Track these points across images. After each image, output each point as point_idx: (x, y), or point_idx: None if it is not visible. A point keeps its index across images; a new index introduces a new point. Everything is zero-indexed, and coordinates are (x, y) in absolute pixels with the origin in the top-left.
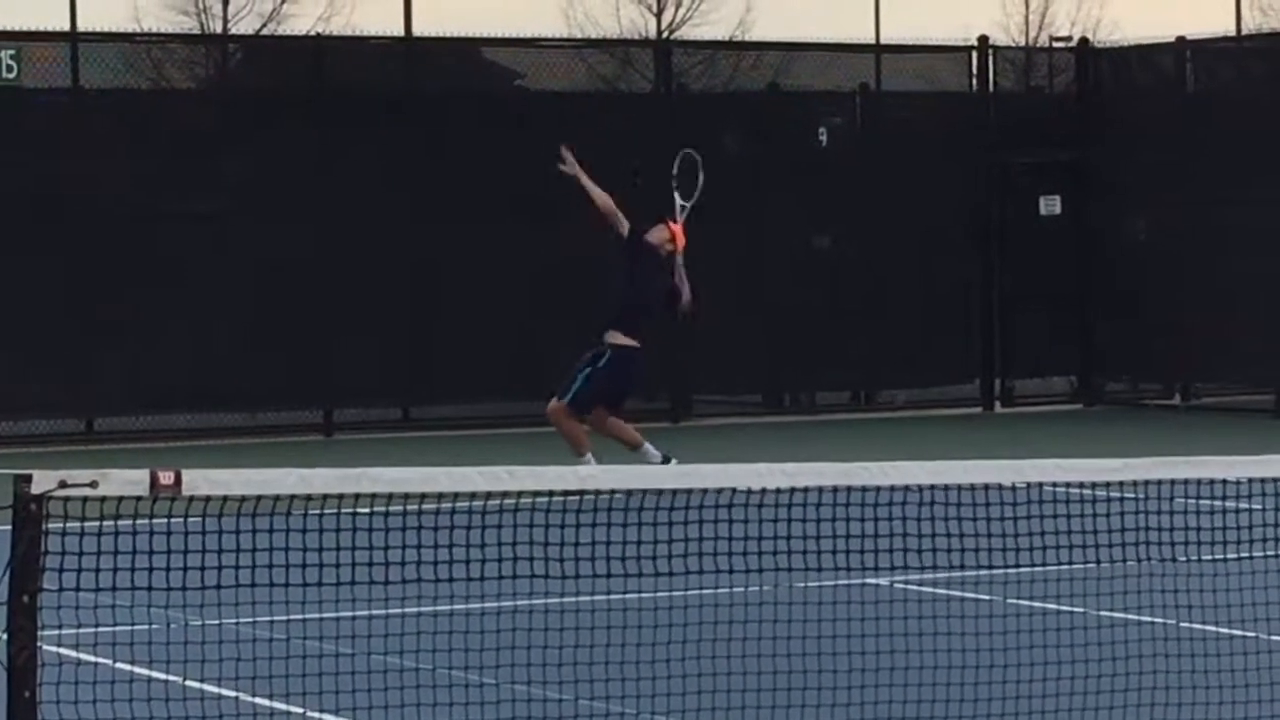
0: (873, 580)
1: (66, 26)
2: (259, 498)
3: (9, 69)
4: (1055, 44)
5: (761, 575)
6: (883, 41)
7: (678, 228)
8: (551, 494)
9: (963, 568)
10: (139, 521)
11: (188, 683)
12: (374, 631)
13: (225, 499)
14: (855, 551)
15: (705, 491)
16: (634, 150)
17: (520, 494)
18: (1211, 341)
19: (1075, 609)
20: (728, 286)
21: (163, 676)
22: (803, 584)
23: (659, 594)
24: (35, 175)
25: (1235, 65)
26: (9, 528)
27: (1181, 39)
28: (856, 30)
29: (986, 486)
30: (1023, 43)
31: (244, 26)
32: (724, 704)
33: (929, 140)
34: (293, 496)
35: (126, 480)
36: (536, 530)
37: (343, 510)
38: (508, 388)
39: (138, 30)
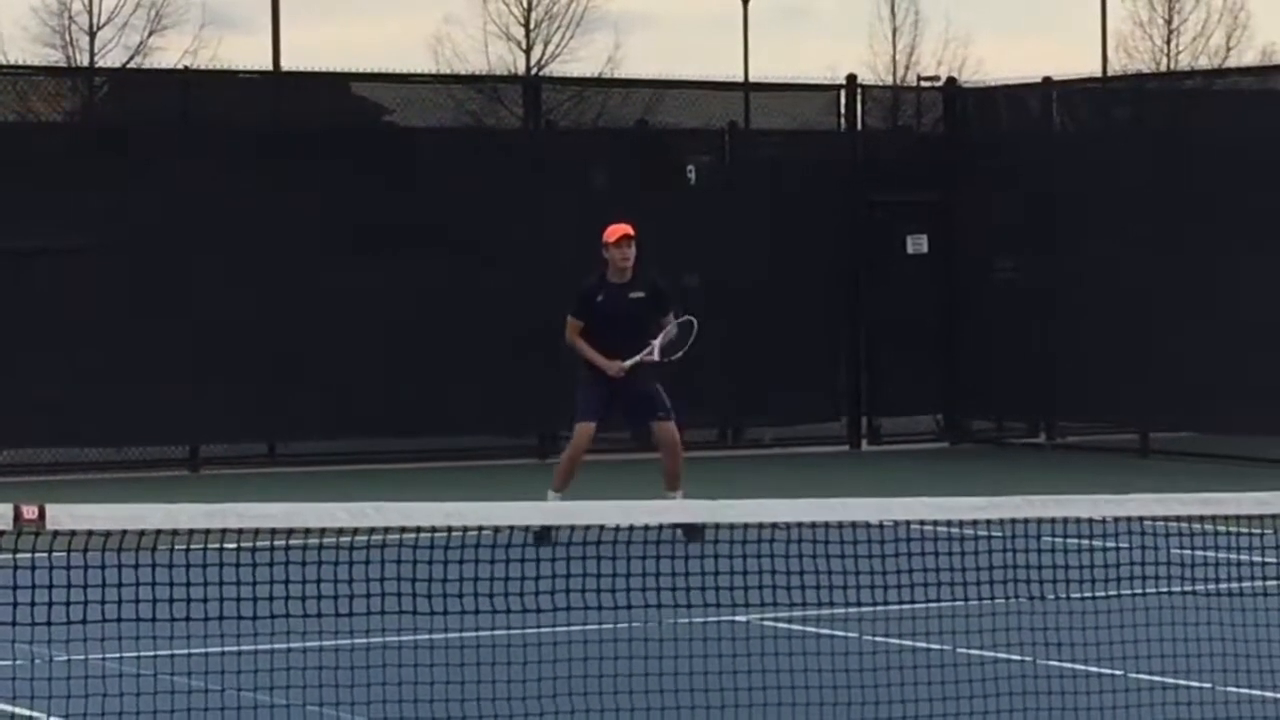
0: (738, 617)
1: None
2: (124, 533)
3: None
4: (923, 83)
5: (631, 612)
6: (751, 79)
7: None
8: (419, 530)
9: (828, 605)
10: (1, 556)
11: (51, 719)
12: (242, 667)
13: (90, 534)
14: (723, 588)
15: (573, 528)
16: (500, 188)
17: (387, 530)
18: (1076, 380)
19: (940, 646)
20: None
21: (26, 712)
22: (671, 620)
23: (527, 630)
24: None
25: (1100, 106)
26: None
27: (1048, 79)
28: (725, 68)
29: (854, 524)
30: (890, 82)
31: (111, 59)
32: None
33: (797, 178)
34: (158, 531)
35: None
36: (404, 566)
37: (209, 545)
38: (375, 423)
39: (3, 62)
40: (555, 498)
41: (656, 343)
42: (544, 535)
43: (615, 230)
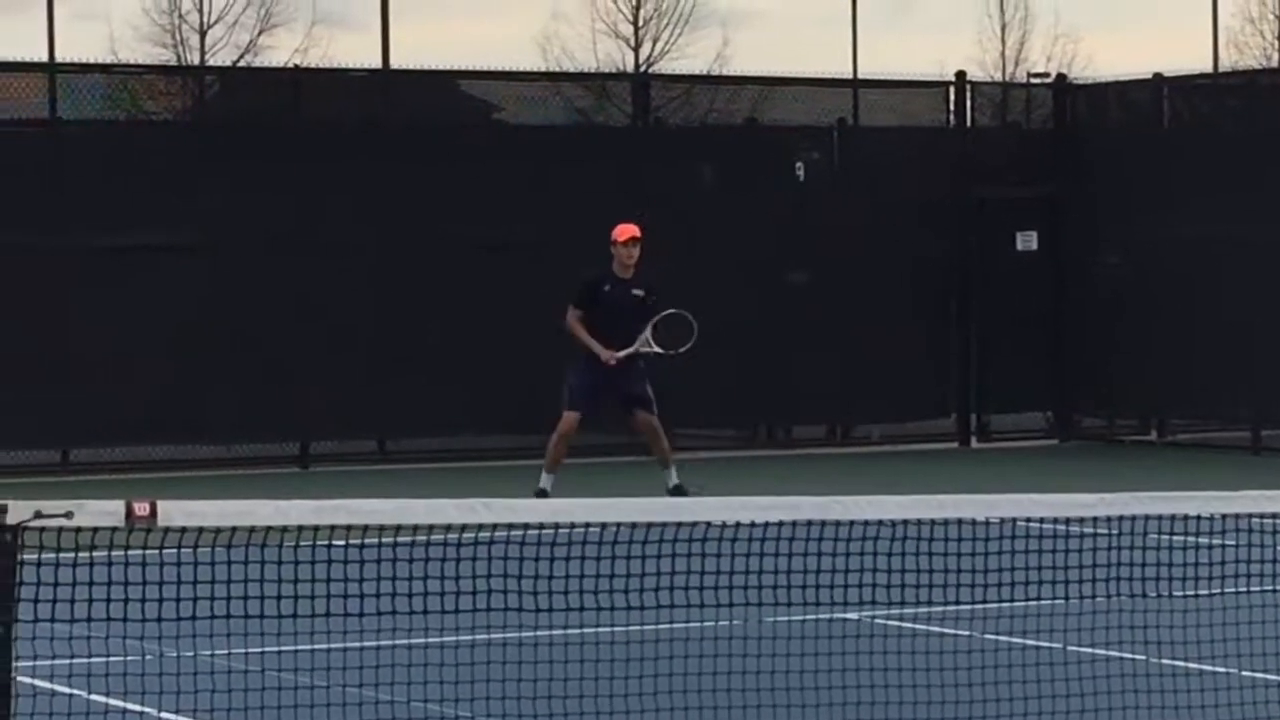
0: (848, 615)
1: (45, 57)
2: (234, 529)
3: None
4: (1032, 80)
5: (732, 610)
6: (860, 77)
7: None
8: (526, 527)
9: (938, 603)
10: (114, 552)
11: (162, 714)
12: (348, 664)
13: (200, 530)
14: (827, 586)
15: (679, 525)
16: (610, 184)
17: (495, 526)
18: (1187, 377)
19: (1047, 644)
20: (704, 320)
21: (137, 708)
22: (773, 618)
23: (631, 627)
24: (11, 206)
25: (1211, 102)
26: None
27: (1158, 75)
28: (834, 65)
29: (960, 521)
30: (999, 78)
31: (221, 58)
32: None
33: (906, 175)
34: (268, 528)
35: (102, 511)
36: (510, 563)
37: (318, 542)
38: (485, 420)
39: (115, 62)
40: (548, 479)
41: (647, 334)
42: (543, 493)
43: (625, 230)
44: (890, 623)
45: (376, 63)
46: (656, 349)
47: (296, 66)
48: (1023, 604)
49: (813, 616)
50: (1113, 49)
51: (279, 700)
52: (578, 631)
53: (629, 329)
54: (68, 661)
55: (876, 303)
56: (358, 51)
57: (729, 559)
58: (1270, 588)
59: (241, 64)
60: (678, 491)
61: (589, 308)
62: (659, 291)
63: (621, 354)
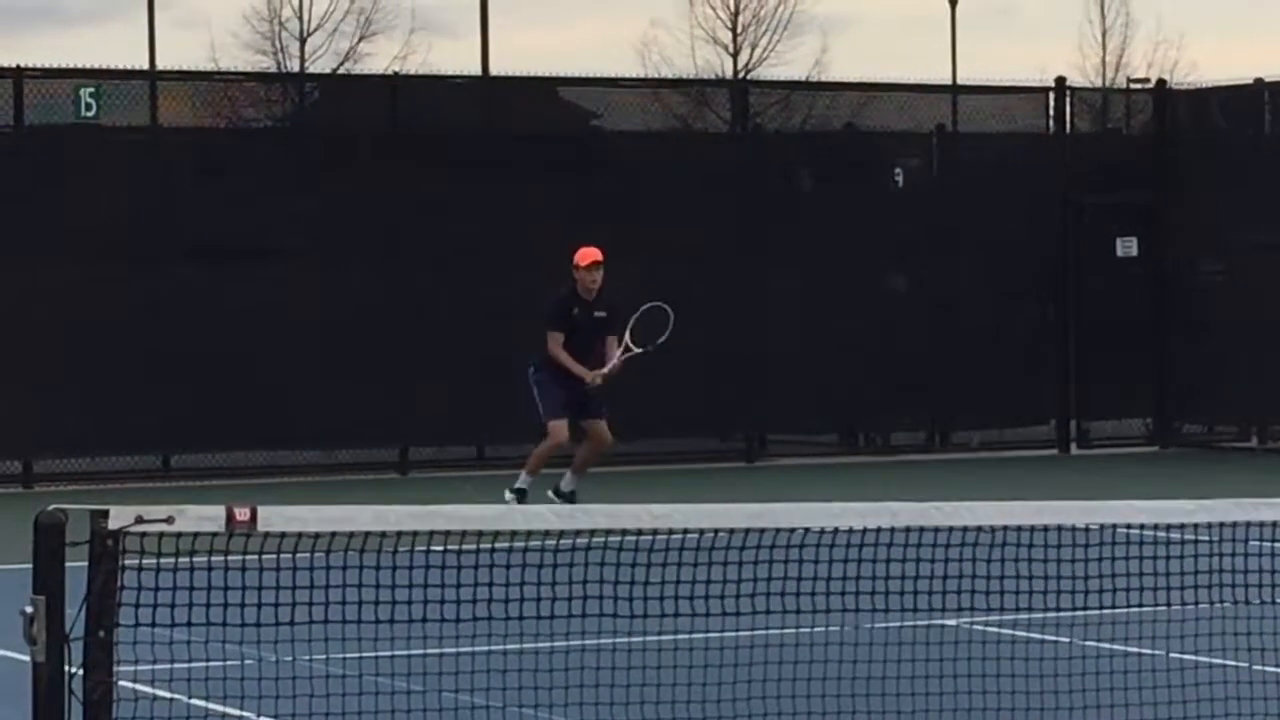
0: (947, 621)
1: (146, 65)
2: (333, 535)
3: (88, 107)
4: (1133, 85)
5: (831, 615)
6: (959, 82)
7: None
8: (625, 533)
9: (1034, 610)
10: (214, 558)
11: (261, 718)
12: (445, 669)
13: (300, 535)
14: (926, 592)
15: (778, 531)
16: (709, 190)
17: (593, 532)
18: None
19: (1148, 651)
20: (803, 326)
21: (237, 712)
22: (872, 625)
23: (727, 634)
24: (113, 212)
25: None
26: (86, 563)
27: (1259, 80)
28: (933, 71)
29: (1059, 528)
30: (1099, 84)
31: (321, 65)
32: None
33: (1005, 181)
34: (367, 534)
35: (202, 516)
36: (609, 569)
37: (417, 548)
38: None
39: (215, 69)
40: (527, 480)
41: (628, 339)
42: (522, 496)
43: (587, 255)
44: (989, 629)
45: (476, 69)
46: (636, 350)
47: (396, 74)
48: (1123, 610)
49: (911, 623)
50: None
51: (376, 705)
52: (672, 638)
53: (592, 350)
54: (168, 666)
55: (975, 309)
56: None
57: (827, 565)
58: None
59: (341, 71)
60: (569, 498)
61: (564, 329)
62: (620, 311)
63: (602, 372)
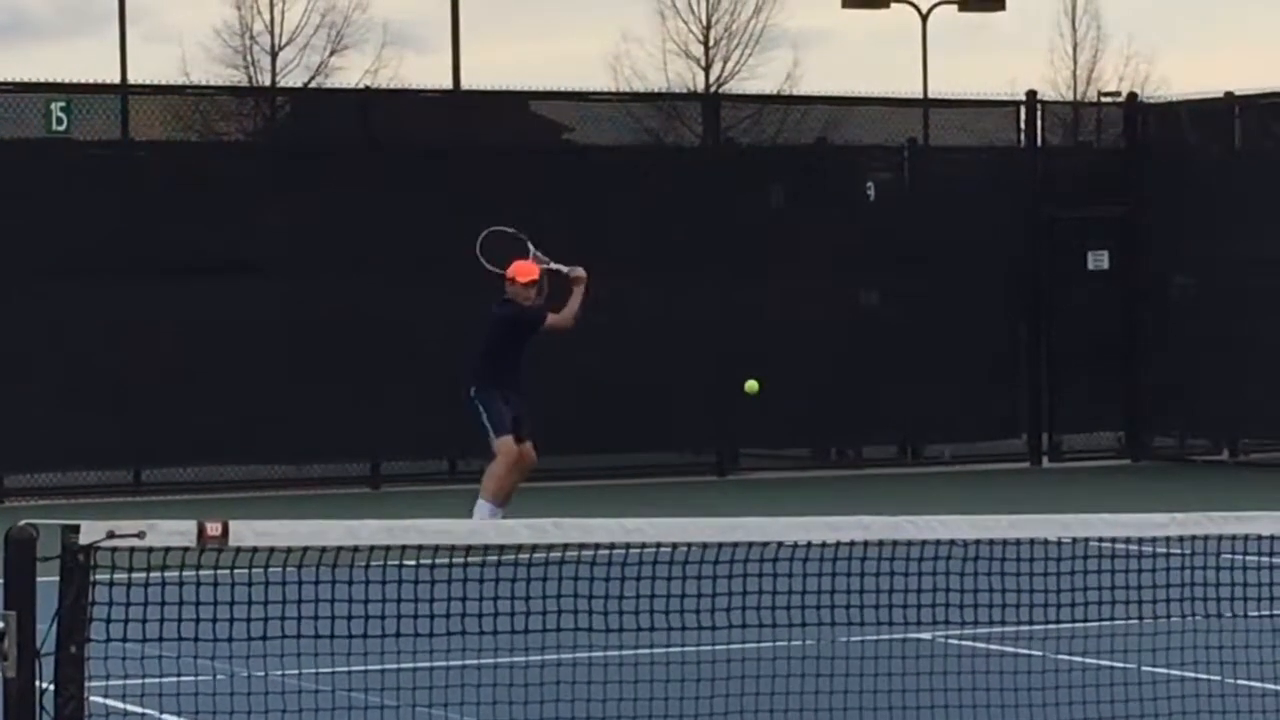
0: (922, 635)
1: (118, 79)
2: (305, 549)
3: (59, 121)
4: (1104, 99)
5: (805, 629)
6: (930, 96)
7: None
8: (597, 547)
9: (1007, 623)
10: (186, 573)
11: None
12: (418, 684)
13: (272, 550)
14: (899, 606)
15: (750, 545)
16: (681, 204)
17: (566, 546)
18: (1260, 397)
19: (1120, 664)
20: (775, 340)
21: None
22: (846, 638)
23: (702, 647)
24: (83, 226)
25: None
26: (57, 578)
27: (1230, 94)
28: (905, 85)
29: (1032, 541)
30: (1070, 98)
31: (292, 79)
32: None
33: (977, 195)
34: (339, 548)
35: (174, 531)
36: (581, 583)
37: (389, 563)
38: (556, 440)
39: (187, 83)
40: (493, 512)
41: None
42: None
43: (525, 273)
44: (963, 643)
45: (447, 84)
46: (496, 270)
47: (367, 88)
48: (1096, 624)
49: (885, 636)
50: (1186, 70)
51: None
52: (648, 651)
53: (523, 362)
54: (140, 681)
55: (947, 322)
56: (428, 72)
57: (800, 579)
58: None
59: (312, 85)
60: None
61: (531, 327)
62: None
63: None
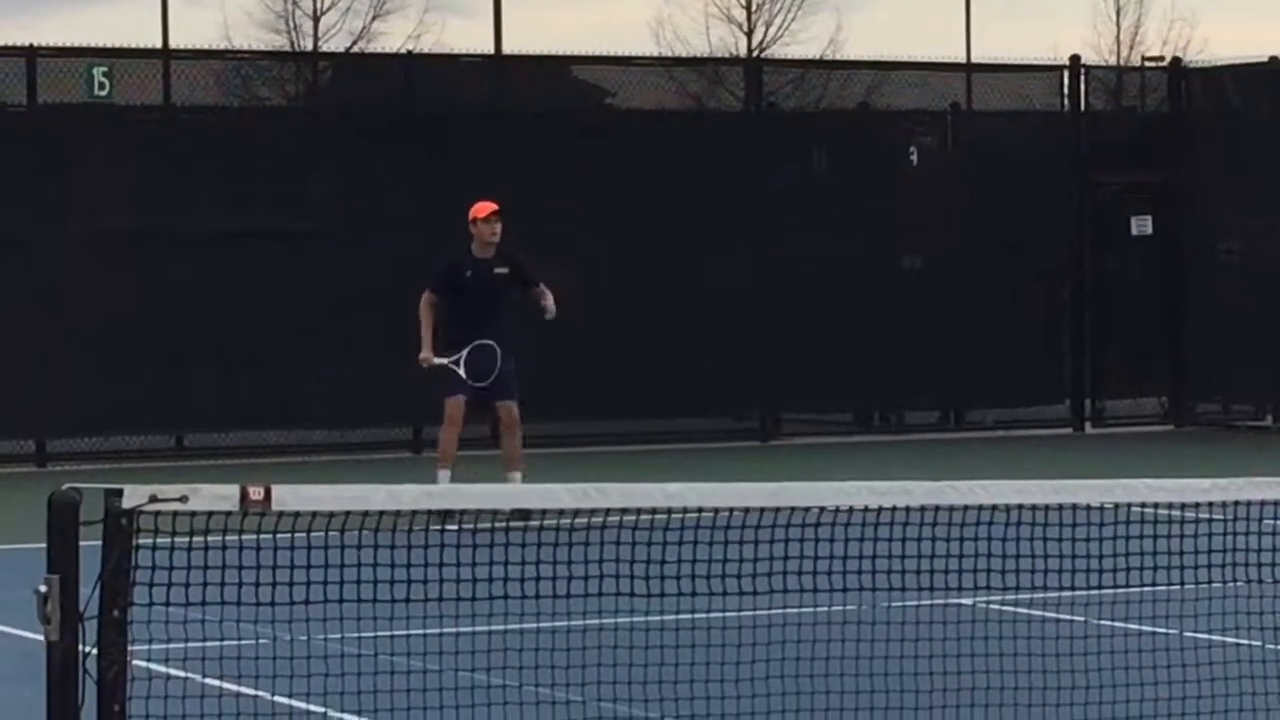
0: (963, 600)
1: (159, 44)
2: (348, 514)
3: (101, 86)
4: (1147, 64)
5: (846, 594)
6: (974, 61)
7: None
8: (639, 512)
9: (1049, 588)
10: (228, 537)
11: (276, 698)
12: (461, 648)
13: (314, 515)
14: (941, 571)
15: (793, 510)
16: (723, 169)
17: (608, 511)
18: None
19: (1162, 630)
20: (817, 305)
21: (251, 692)
22: (888, 604)
23: (744, 613)
24: (125, 191)
25: None
26: (100, 542)
27: (1274, 59)
28: (947, 49)
29: (1074, 506)
30: (1113, 62)
31: (334, 44)
32: None
33: (1020, 160)
34: (381, 513)
35: (217, 495)
36: (624, 548)
37: (431, 527)
38: (597, 406)
39: (229, 48)
40: (445, 476)
41: (462, 356)
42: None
43: (485, 207)
44: (1005, 608)
45: (489, 48)
46: (461, 373)
47: (409, 53)
48: (1138, 589)
49: (927, 602)
50: (1230, 33)
51: (391, 684)
52: (690, 616)
53: (494, 311)
54: (182, 645)
55: (990, 287)
56: (470, 37)
57: (843, 544)
58: None
59: (354, 50)
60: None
61: (445, 292)
62: (524, 262)
63: (435, 361)
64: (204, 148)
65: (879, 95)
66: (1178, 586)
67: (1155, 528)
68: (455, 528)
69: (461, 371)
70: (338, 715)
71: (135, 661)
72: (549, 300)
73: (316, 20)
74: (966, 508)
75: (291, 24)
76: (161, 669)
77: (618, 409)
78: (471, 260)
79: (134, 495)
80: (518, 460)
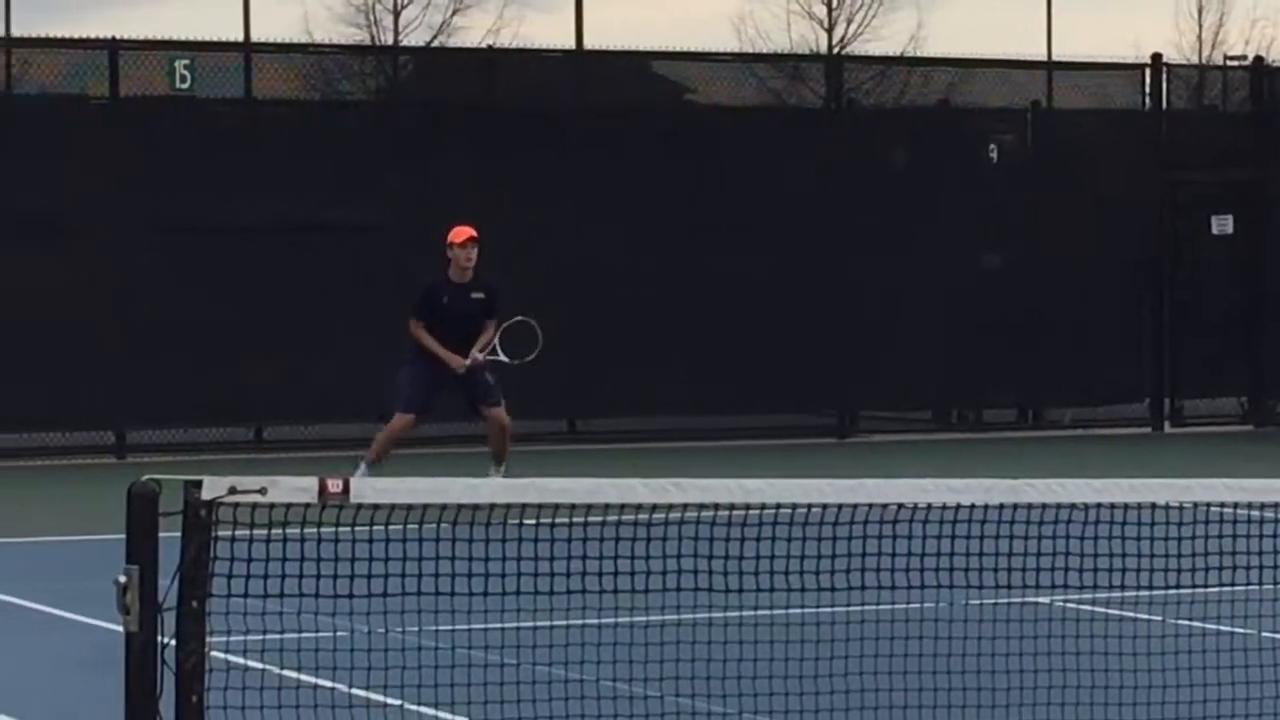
0: (1040, 599)
1: (240, 37)
2: (426, 507)
3: (183, 79)
4: (1229, 62)
5: (924, 592)
6: (1055, 59)
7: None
8: (717, 507)
9: (1126, 588)
10: (307, 529)
11: (353, 690)
12: (538, 642)
13: (393, 508)
14: (1019, 569)
15: (870, 506)
16: (803, 166)
17: (686, 506)
18: None
19: (1240, 630)
20: (896, 303)
21: (328, 684)
22: (965, 601)
23: (821, 609)
24: (207, 184)
25: None
26: (179, 534)
27: None
28: (1028, 47)
29: (1153, 506)
30: (1195, 61)
31: (415, 39)
32: None
33: (1100, 158)
34: (460, 506)
35: (295, 487)
36: (701, 543)
37: (509, 521)
38: (676, 402)
39: (310, 42)
40: (366, 470)
41: (495, 344)
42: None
43: (461, 232)
44: (1082, 607)
45: (569, 43)
46: (504, 358)
47: (490, 47)
48: (1215, 589)
49: (1004, 600)
50: None
51: (469, 678)
52: (768, 612)
53: (469, 334)
54: (260, 637)
55: (1070, 285)
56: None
57: (920, 541)
58: None
59: (435, 44)
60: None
61: (427, 317)
62: (500, 292)
63: (469, 360)
64: (284, 141)
65: (959, 92)
66: (1256, 586)
67: (1234, 527)
68: (533, 522)
69: (504, 358)
70: (415, 708)
71: (213, 652)
72: (483, 339)
73: (397, 15)
74: (1045, 506)
75: (372, 18)
76: (239, 660)
77: (696, 405)
78: (449, 286)
79: (213, 487)
80: (504, 458)
